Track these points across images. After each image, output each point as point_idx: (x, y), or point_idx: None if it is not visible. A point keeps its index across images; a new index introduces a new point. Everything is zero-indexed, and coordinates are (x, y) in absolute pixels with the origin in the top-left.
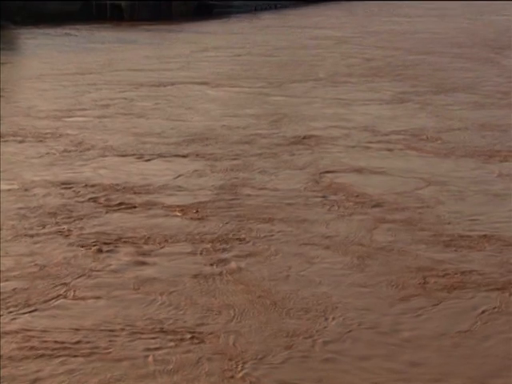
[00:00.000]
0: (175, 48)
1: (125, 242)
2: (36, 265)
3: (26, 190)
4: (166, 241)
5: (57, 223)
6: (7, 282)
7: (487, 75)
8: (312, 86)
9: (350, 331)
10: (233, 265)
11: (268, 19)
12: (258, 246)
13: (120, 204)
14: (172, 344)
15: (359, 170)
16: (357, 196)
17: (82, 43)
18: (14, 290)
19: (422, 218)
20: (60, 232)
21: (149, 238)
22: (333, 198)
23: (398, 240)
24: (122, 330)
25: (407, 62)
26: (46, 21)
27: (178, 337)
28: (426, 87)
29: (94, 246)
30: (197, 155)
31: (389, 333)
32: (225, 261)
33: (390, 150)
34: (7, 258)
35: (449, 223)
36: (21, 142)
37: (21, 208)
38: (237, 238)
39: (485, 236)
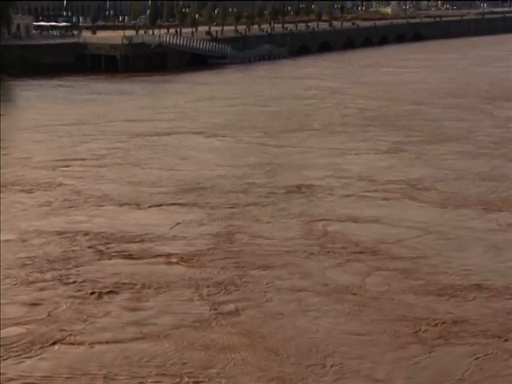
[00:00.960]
0: (170, 98)
1: (123, 287)
2: (38, 312)
3: (24, 240)
4: (165, 286)
5: (55, 269)
6: (11, 328)
7: (480, 125)
8: (307, 136)
9: (346, 379)
10: (230, 310)
11: (262, 70)
12: (255, 293)
13: (117, 252)
14: None
15: (355, 219)
16: (353, 244)
17: (77, 94)
18: (17, 335)
19: (416, 267)
20: (59, 279)
21: (147, 284)
22: (329, 246)
23: (392, 289)
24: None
25: (401, 113)
26: (41, 72)
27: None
28: (420, 137)
29: (93, 292)
30: (193, 204)
31: (385, 380)
32: (223, 304)
33: (386, 199)
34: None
35: (443, 273)
36: (19, 191)
37: (21, 258)
38: (234, 284)
39: (477, 285)
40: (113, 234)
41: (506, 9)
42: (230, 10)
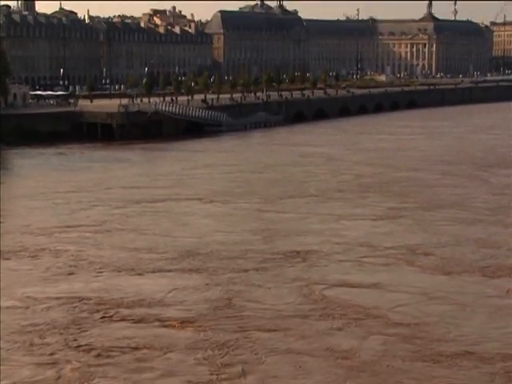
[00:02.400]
0: (166, 166)
1: (124, 351)
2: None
3: (27, 307)
4: (165, 349)
5: (57, 334)
6: None
7: (475, 192)
8: (304, 202)
9: None
10: (229, 372)
11: (259, 137)
12: (257, 356)
13: (118, 317)
14: None
15: (353, 284)
16: (350, 309)
17: (74, 162)
18: None
19: (413, 333)
20: (58, 342)
21: (148, 347)
22: (326, 310)
23: (389, 354)
24: None
25: (397, 179)
26: (38, 141)
27: None
28: (416, 203)
29: (96, 355)
30: (192, 270)
31: None
32: (223, 367)
33: (384, 264)
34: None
35: (440, 340)
36: (20, 258)
37: (23, 325)
38: (232, 347)
39: (471, 353)
40: (113, 298)
41: (500, 77)
42: (226, 78)
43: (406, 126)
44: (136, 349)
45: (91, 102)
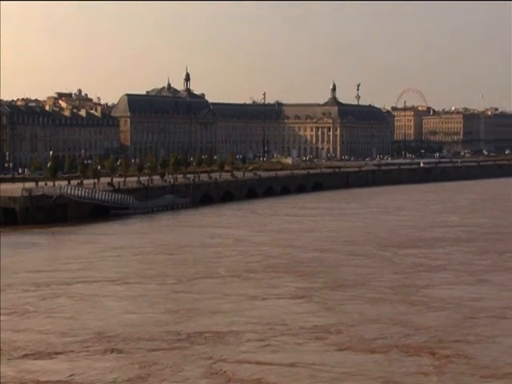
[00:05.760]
0: (75, 249)
1: None
2: None
3: None
4: None
5: None
6: None
7: (380, 272)
8: (215, 283)
9: None
10: None
11: (166, 219)
12: None
13: None
14: None
15: (266, 363)
16: None
17: None
18: None
19: None
20: None
21: None
22: None
23: None
24: None
25: (304, 259)
26: None
27: None
28: (324, 283)
29: None
30: (105, 351)
31: None
32: None
33: (296, 343)
34: None
35: None
36: None
37: None
38: None
39: None
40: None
41: (402, 160)
42: (133, 160)
43: (313, 208)
44: None
45: None
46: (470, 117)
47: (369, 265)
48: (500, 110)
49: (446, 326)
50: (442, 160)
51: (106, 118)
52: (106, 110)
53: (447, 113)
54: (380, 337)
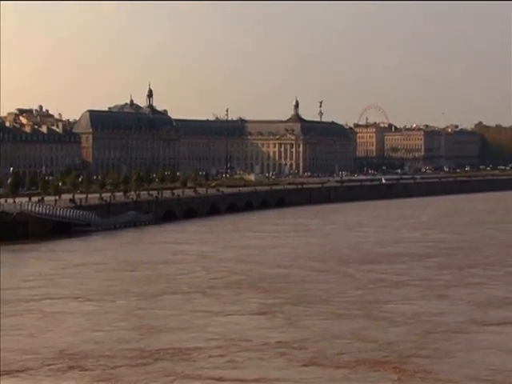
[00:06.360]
0: (36, 266)
1: None
2: None
3: None
4: None
5: None
6: None
7: (342, 287)
8: (178, 299)
9: None
10: None
11: (128, 236)
12: None
13: None
14: None
15: (229, 379)
16: None
17: None
18: None
19: None
20: None
21: None
22: None
23: None
24: None
25: (267, 275)
26: None
27: None
28: (287, 299)
29: None
30: (68, 368)
31: None
32: None
33: (260, 359)
34: None
35: None
36: None
37: None
38: None
39: None
40: None
41: (363, 177)
42: (95, 177)
43: (276, 224)
44: None
45: None
46: (430, 134)
47: (331, 281)
48: (460, 128)
49: (407, 341)
50: (403, 176)
51: (68, 134)
52: (68, 126)
53: (409, 130)
54: (343, 352)
